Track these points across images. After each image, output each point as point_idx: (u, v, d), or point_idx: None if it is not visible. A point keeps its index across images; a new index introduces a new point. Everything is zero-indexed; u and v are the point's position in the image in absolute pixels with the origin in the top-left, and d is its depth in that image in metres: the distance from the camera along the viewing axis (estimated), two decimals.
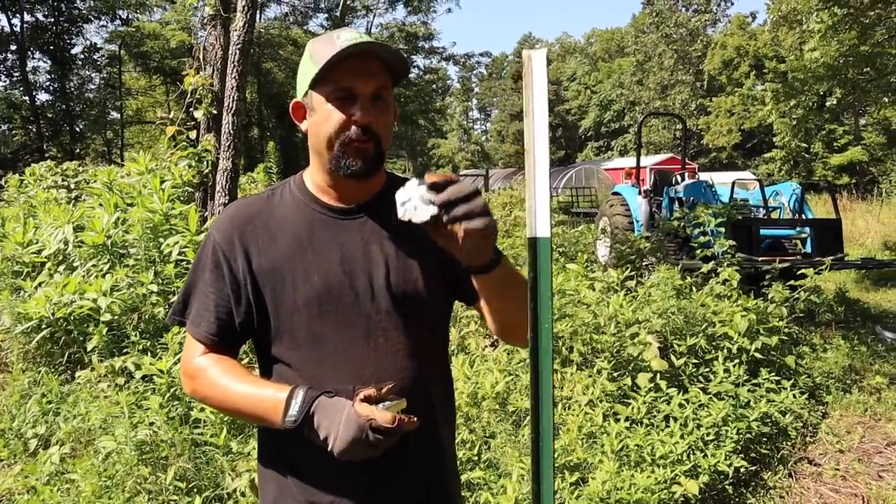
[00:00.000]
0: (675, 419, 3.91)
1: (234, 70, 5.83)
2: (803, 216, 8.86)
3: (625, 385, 4.26)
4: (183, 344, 2.95)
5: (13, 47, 31.90)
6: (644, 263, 7.54)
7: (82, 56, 34.15)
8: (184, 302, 1.48)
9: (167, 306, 4.78)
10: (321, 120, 1.37)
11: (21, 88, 32.08)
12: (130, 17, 34.30)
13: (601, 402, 4.06)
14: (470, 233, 1.15)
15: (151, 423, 3.55)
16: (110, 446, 3.36)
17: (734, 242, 6.55)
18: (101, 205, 5.87)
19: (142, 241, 5.25)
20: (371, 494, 1.40)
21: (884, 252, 13.94)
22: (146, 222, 5.32)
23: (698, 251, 6.73)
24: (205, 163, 6.62)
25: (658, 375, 4.29)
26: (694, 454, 3.67)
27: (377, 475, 1.39)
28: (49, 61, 33.14)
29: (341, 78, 1.34)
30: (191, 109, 6.97)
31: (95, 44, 34.55)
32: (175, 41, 29.96)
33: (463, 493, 2.94)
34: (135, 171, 6.42)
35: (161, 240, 5.24)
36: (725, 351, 4.83)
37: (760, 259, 7.36)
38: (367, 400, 1.25)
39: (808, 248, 8.43)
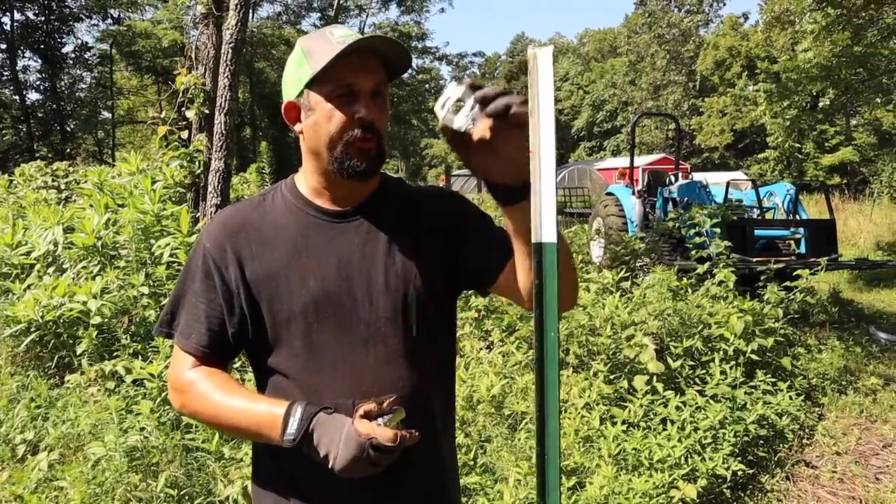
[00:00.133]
0: (673, 422, 3.88)
1: (227, 69, 5.77)
2: (797, 217, 8.86)
3: (621, 388, 4.23)
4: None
5: (3, 46, 31.71)
6: (639, 264, 7.51)
7: (73, 55, 33.96)
8: (172, 313, 1.42)
9: (158, 309, 4.72)
10: (322, 120, 1.31)
11: (11, 88, 31.85)
12: (122, 15, 34.11)
13: (598, 405, 4.02)
14: (518, 122, 1.09)
15: (142, 429, 3.49)
16: (100, 452, 3.30)
17: (730, 243, 6.53)
18: (91, 206, 5.79)
19: (133, 243, 5.18)
20: None
21: (876, 252, 13.98)
22: (137, 223, 5.25)
23: (693, 252, 6.70)
24: (196, 163, 6.56)
25: (654, 378, 4.26)
26: (692, 458, 3.64)
27: (378, 491, 1.35)
28: (39, 60, 32.95)
29: (341, 75, 1.29)
30: (182, 109, 6.90)
31: (86, 43, 34.40)
32: (167, 40, 29.83)
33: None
34: (126, 172, 6.34)
35: (152, 241, 5.18)
36: (722, 353, 4.80)
37: (755, 260, 7.34)
38: (367, 415, 1.20)
39: (803, 249, 8.42)
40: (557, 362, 1.13)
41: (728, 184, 9.34)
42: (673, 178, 10.59)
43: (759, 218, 8.96)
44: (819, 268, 6.35)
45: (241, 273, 1.35)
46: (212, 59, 6.76)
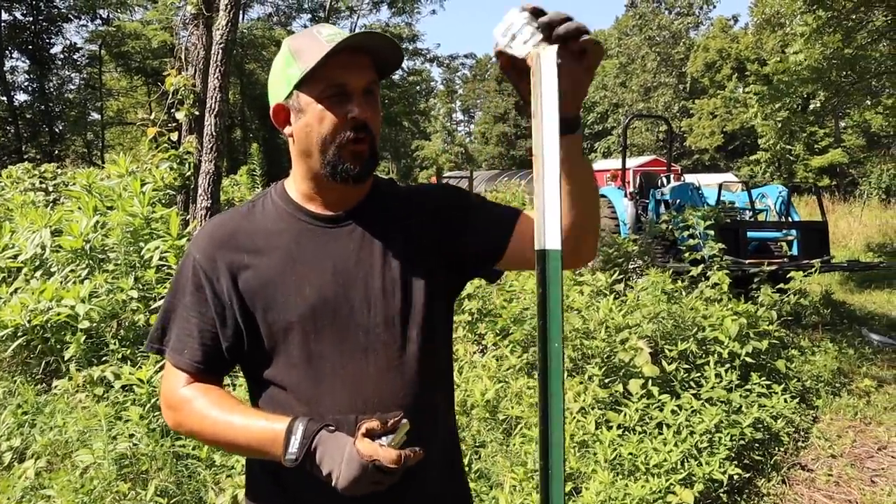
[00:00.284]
0: (668, 426, 3.85)
1: (217, 70, 5.71)
2: (790, 219, 8.87)
3: (616, 392, 4.20)
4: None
5: None
6: (632, 266, 7.50)
7: (62, 56, 33.68)
8: (162, 329, 1.36)
9: (148, 313, 4.67)
10: (313, 121, 1.27)
11: None
12: (111, 16, 33.88)
13: (593, 409, 3.99)
14: (587, 47, 1.05)
15: (131, 436, 3.44)
16: (88, 460, 3.25)
17: (723, 245, 6.52)
18: (79, 208, 5.73)
19: (122, 246, 5.12)
20: None
21: (866, 253, 14.05)
22: (126, 226, 5.20)
23: (687, 254, 6.69)
24: (187, 165, 6.50)
25: (650, 381, 4.23)
26: (688, 462, 3.61)
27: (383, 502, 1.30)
28: (27, 61, 32.65)
29: (332, 74, 1.24)
30: (172, 111, 6.84)
31: (75, 43, 34.11)
32: (157, 41, 29.62)
33: None
34: (115, 174, 6.28)
35: (141, 244, 5.13)
36: (716, 355, 4.78)
37: (748, 262, 7.34)
38: (371, 434, 1.16)
39: (795, 251, 8.44)
40: (562, 373, 1.09)
41: (721, 186, 9.34)
42: (665, 180, 10.59)
43: (752, 220, 8.97)
44: (812, 270, 6.34)
45: (234, 284, 1.31)
46: (202, 60, 6.70)
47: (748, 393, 4.54)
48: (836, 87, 11.36)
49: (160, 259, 4.91)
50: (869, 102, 13.49)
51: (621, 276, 6.71)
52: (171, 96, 6.74)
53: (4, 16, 31.17)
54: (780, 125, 12.61)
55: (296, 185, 1.38)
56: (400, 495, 1.29)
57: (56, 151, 30.39)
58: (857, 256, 13.11)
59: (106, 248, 5.31)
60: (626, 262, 7.40)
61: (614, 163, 19.43)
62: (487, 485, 3.44)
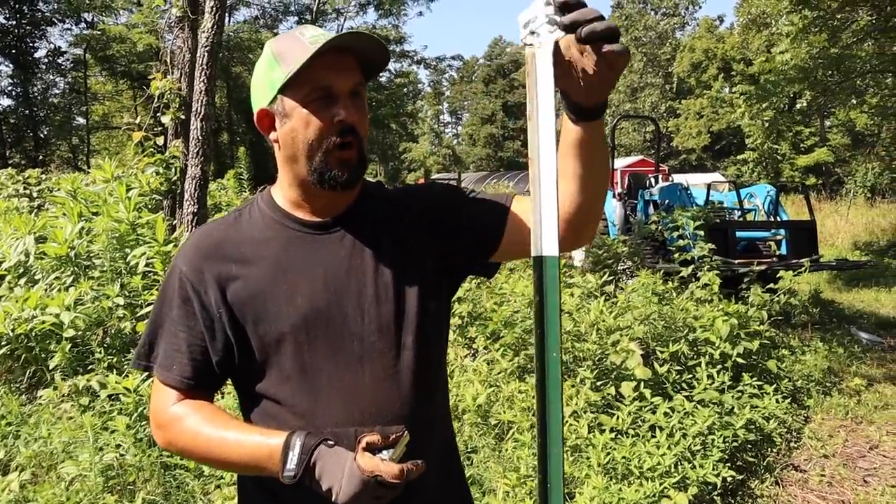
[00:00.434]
0: (661, 429, 3.83)
1: (203, 73, 5.66)
2: (778, 218, 8.90)
3: (609, 394, 4.17)
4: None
5: None
6: (621, 268, 7.49)
7: (46, 60, 33.38)
8: (149, 345, 1.32)
9: (134, 320, 4.60)
10: (299, 126, 1.23)
11: None
12: (96, 19, 33.64)
13: (585, 412, 3.96)
14: (607, 58, 1.00)
15: (118, 446, 3.38)
16: (74, 472, 3.19)
17: (713, 245, 6.52)
18: (64, 214, 5.65)
19: (107, 252, 5.06)
20: None
21: (854, 252, 14.12)
22: (112, 232, 5.13)
23: (676, 255, 6.68)
24: (173, 170, 6.44)
25: (642, 384, 4.21)
26: (681, 465, 3.59)
27: None
28: (11, 65, 32.33)
29: (317, 77, 1.21)
30: (158, 115, 6.78)
31: (59, 47, 33.81)
32: (142, 44, 29.45)
33: None
34: (100, 179, 6.21)
35: (127, 250, 5.06)
36: (708, 356, 4.77)
37: (737, 262, 7.35)
38: (371, 448, 1.12)
39: (784, 250, 8.46)
40: (560, 384, 1.05)
41: (709, 186, 9.36)
42: (653, 181, 10.60)
43: (741, 220, 8.99)
44: (802, 269, 6.35)
45: (222, 295, 1.27)
46: (187, 64, 6.65)
47: (740, 394, 4.53)
48: (822, 87, 11.42)
49: (146, 265, 4.85)
50: (854, 101, 13.57)
51: (611, 278, 6.70)
52: (156, 100, 6.68)
53: None
54: (767, 125, 12.67)
55: (283, 192, 1.34)
56: None
57: (41, 157, 30.14)
58: (845, 255, 13.18)
59: (91, 255, 5.24)
60: (616, 263, 7.39)
61: None
62: (480, 491, 3.41)
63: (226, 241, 1.31)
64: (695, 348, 4.92)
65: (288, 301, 1.25)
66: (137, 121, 6.97)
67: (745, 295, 6.01)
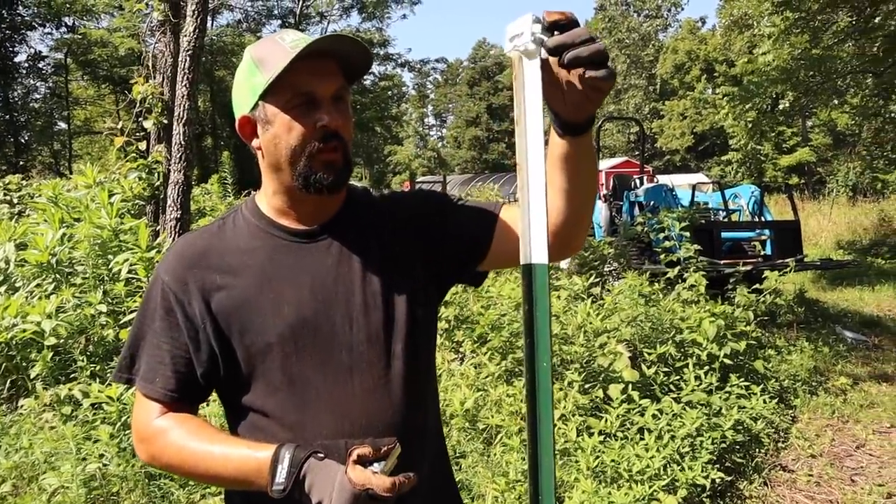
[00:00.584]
0: (650, 431, 3.83)
1: (185, 78, 5.60)
2: (762, 218, 8.94)
3: (597, 397, 4.16)
4: None
5: None
6: (607, 269, 7.50)
7: (26, 64, 33.05)
8: (131, 357, 1.29)
9: (117, 327, 4.54)
10: (281, 132, 1.21)
11: None
12: (76, 24, 33.34)
13: (573, 416, 3.95)
14: (590, 83, 0.99)
15: (101, 456, 3.33)
16: (56, 483, 3.13)
17: (699, 247, 6.54)
18: (45, 220, 5.57)
19: (89, 259, 5.00)
20: None
21: (837, 251, 14.24)
22: (94, 238, 5.07)
23: (663, 256, 6.70)
24: (156, 175, 6.38)
25: (630, 386, 4.21)
26: (671, 467, 3.58)
27: None
28: None
29: (298, 82, 1.18)
30: (140, 119, 6.71)
31: (40, 52, 33.48)
32: (124, 48, 29.17)
33: None
34: (82, 185, 6.13)
35: (110, 257, 5.00)
36: (695, 358, 4.78)
37: (723, 262, 7.38)
38: (361, 460, 1.09)
39: (769, 250, 8.50)
40: (551, 394, 1.03)
41: (694, 187, 9.40)
42: (638, 182, 10.63)
43: (726, 220, 9.03)
44: (787, 269, 6.38)
45: (206, 306, 1.24)
46: (170, 68, 6.59)
47: (728, 395, 4.54)
48: (804, 87, 11.51)
49: (129, 272, 4.80)
50: (836, 102, 13.69)
51: (598, 280, 6.70)
52: (138, 105, 6.61)
53: None
54: (750, 125, 12.76)
55: (267, 200, 1.32)
56: None
57: (21, 162, 29.83)
58: (828, 254, 13.28)
59: (73, 262, 5.17)
60: (602, 264, 7.40)
61: None
62: (469, 496, 3.38)
63: (210, 250, 1.28)
64: (682, 350, 4.93)
65: (274, 311, 1.23)
66: (119, 126, 6.88)
67: (732, 295, 6.03)
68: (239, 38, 34.48)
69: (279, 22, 38.56)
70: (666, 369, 4.69)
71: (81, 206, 5.75)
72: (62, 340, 4.37)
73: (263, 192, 1.33)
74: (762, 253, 8.65)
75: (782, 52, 12.03)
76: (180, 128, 5.66)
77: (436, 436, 1.41)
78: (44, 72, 33.83)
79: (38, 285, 5.00)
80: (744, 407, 4.47)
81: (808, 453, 4.52)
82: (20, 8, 31.48)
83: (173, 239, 5.36)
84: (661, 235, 6.93)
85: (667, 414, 4.01)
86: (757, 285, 6.10)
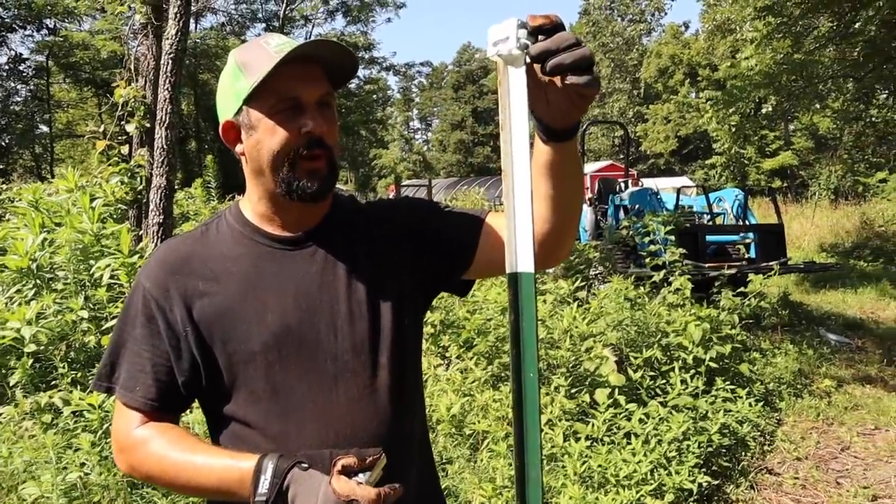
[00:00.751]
0: (637, 436, 3.82)
1: (167, 81, 5.55)
2: (747, 222, 9.00)
3: (583, 402, 4.16)
4: None
5: None
6: (593, 273, 7.51)
7: (7, 67, 32.70)
8: (111, 364, 1.26)
9: (99, 334, 4.48)
10: (264, 137, 1.19)
11: None
12: (58, 26, 33.02)
13: (560, 420, 3.94)
14: (573, 90, 0.97)
15: (82, 465, 3.28)
16: (35, 493, 3.08)
17: (684, 251, 6.57)
18: (25, 225, 5.49)
19: (70, 264, 4.92)
20: None
21: (820, 254, 14.36)
22: (75, 243, 4.99)
23: (648, 260, 6.71)
24: (138, 179, 6.31)
25: (616, 390, 4.20)
26: (657, 472, 3.58)
27: None
28: None
29: (283, 87, 1.17)
30: (123, 123, 6.64)
31: (21, 54, 33.13)
32: (106, 51, 28.93)
33: None
34: (63, 189, 6.05)
35: (92, 262, 4.93)
36: (681, 361, 4.78)
37: (708, 265, 7.41)
38: (346, 471, 1.07)
39: (753, 254, 8.55)
40: (538, 404, 1.02)
41: (679, 191, 9.44)
42: (623, 186, 10.67)
43: (710, 224, 9.08)
44: (772, 272, 6.41)
45: (188, 313, 1.21)
46: (152, 71, 6.53)
47: (714, 398, 4.55)
48: (786, 92, 11.59)
49: (111, 277, 4.73)
50: (818, 106, 13.80)
51: (584, 284, 6.71)
52: (121, 108, 6.55)
53: None
54: (733, 129, 12.84)
55: (252, 206, 1.30)
56: None
57: (2, 166, 29.47)
58: (812, 257, 13.39)
59: (54, 267, 5.09)
60: (588, 268, 7.40)
61: None
62: (456, 503, 3.36)
63: (192, 256, 1.26)
64: (668, 353, 4.93)
65: (258, 319, 1.21)
66: (102, 129, 6.81)
67: (717, 299, 6.05)
68: (223, 41, 34.32)
69: (263, 25, 38.44)
70: (652, 373, 4.70)
71: (63, 210, 5.68)
72: (42, 347, 4.30)
73: (248, 198, 1.31)
74: (746, 256, 8.70)
75: (765, 57, 12.11)
76: (163, 131, 5.60)
77: (422, 444, 1.39)
78: (25, 74, 33.48)
79: (18, 291, 4.91)
80: (730, 410, 4.48)
81: (793, 456, 4.54)
82: (0, 10, 31.15)
83: (156, 244, 5.31)
84: (647, 239, 6.95)
85: (653, 418, 4.01)
86: (742, 288, 6.13)
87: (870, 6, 9.92)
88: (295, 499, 1.06)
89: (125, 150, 6.61)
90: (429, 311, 5.15)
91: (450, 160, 54.61)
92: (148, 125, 6.37)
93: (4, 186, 10.92)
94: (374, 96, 44.18)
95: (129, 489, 3.20)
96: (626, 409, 4.09)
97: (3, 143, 32.17)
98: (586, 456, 3.58)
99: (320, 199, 1.24)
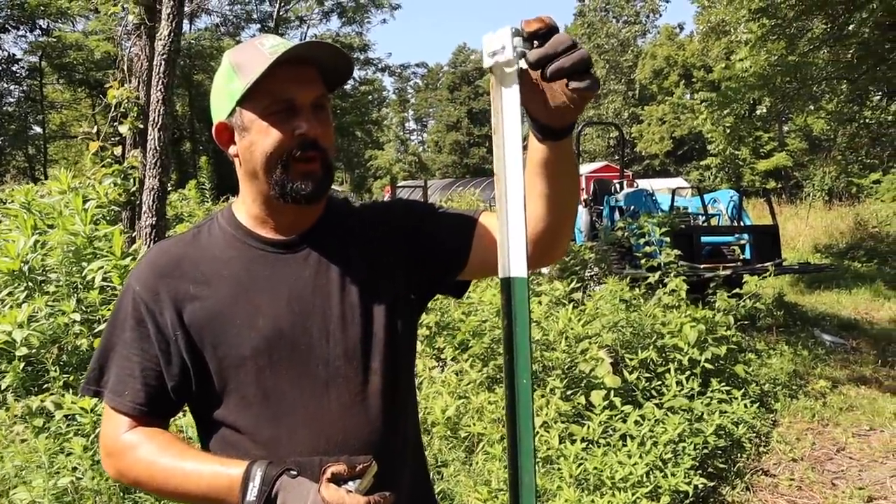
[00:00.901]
0: (632, 438, 3.81)
1: (160, 82, 5.51)
2: (742, 223, 9.00)
3: (579, 404, 4.14)
4: None
5: None
6: (588, 274, 7.50)
7: (0, 68, 32.61)
8: (100, 368, 1.24)
9: (91, 337, 4.45)
10: (257, 138, 1.17)
11: None
12: (51, 26, 32.91)
13: (556, 423, 3.92)
14: (574, 93, 0.97)
15: (74, 469, 3.24)
16: (26, 498, 3.04)
17: (679, 252, 6.56)
18: (17, 227, 5.46)
19: (63, 267, 4.89)
20: None
21: (814, 255, 14.38)
22: (68, 245, 4.96)
23: (643, 261, 6.71)
24: (131, 181, 6.27)
25: (612, 392, 4.19)
26: (653, 474, 3.57)
27: None
28: None
29: (277, 88, 1.15)
30: (116, 124, 6.60)
31: (14, 55, 32.98)
32: (99, 52, 28.83)
33: None
34: (56, 190, 6.02)
35: (84, 264, 4.89)
36: (676, 363, 4.77)
37: (703, 266, 7.41)
38: (336, 478, 1.05)
39: (748, 255, 8.56)
40: (531, 410, 1.00)
41: (674, 192, 9.44)
42: (618, 187, 10.67)
43: (706, 225, 9.08)
44: (767, 273, 6.42)
45: (179, 317, 1.20)
46: (145, 72, 6.49)
47: (709, 400, 4.54)
48: (780, 93, 11.62)
49: (104, 279, 4.70)
50: (812, 107, 13.84)
51: (579, 285, 6.70)
52: (114, 109, 6.51)
53: None
54: (728, 130, 12.87)
55: (245, 209, 1.28)
56: None
57: None
58: (806, 258, 13.41)
59: (46, 269, 5.06)
60: (583, 269, 7.39)
61: None
62: None
63: (184, 259, 1.25)
64: (663, 355, 4.92)
65: (249, 323, 1.19)
66: (95, 130, 6.77)
67: (712, 300, 6.05)
68: (217, 42, 34.26)
69: (258, 26, 38.36)
70: (647, 375, 4.69)
71: (55, 212, 5.64)
72: (34, 350, 4.27)
73: (241, 200, 1.29)
74: (741, 257, 8.71)
75: (759, 59, 12.14)
76: (156, 133, 5.57)
77: (415, 449, 1.38)
78: (18, 75, 33.34)
79: (9, 293, 4.88)
80: (725, 412, 4.47)
81: (789, 457, 4.54)
82: None
83: (149, 246, 5.27)
84: (642, 240, 6.94)
85: (649, 420, 4.00)
86: (737, 289, 6.13)
87: (863, 8, 9.95)
88: (285, 503, 1.05)
89: (118, 151, 6.56)
90: (424, 313, 5.14)
91: (445, 161, 54.61)
92: (141, 126, 6.33)
93: None
94: (370, 97, 44.13)
95: (121, 494, 3.17)
96: (622, 411, 4.08)
97: None
98: (582, 458, 3.57)
99: (314, 202, 1.22)
